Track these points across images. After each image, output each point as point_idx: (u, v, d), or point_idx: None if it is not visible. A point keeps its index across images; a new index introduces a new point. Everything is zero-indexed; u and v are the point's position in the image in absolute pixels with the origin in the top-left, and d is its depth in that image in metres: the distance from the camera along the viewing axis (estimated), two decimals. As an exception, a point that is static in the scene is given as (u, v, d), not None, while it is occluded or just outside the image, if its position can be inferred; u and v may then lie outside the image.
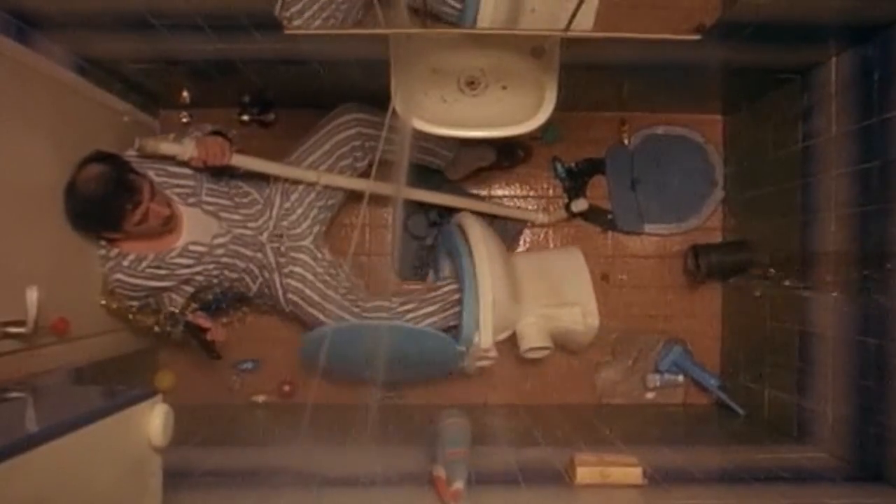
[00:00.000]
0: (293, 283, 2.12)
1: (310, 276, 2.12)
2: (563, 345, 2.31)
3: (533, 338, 2.17)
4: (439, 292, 2.17)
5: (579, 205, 2.43)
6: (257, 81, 2.17)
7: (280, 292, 2.13)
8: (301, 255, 2.14)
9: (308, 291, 2.11)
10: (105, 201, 1.75)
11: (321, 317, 2.11)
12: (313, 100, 2.24)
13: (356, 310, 2.11)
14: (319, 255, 2.17)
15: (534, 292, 2.20)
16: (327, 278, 2.14)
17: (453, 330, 2.11)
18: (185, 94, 2.23)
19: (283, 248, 2.12)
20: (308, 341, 2.11)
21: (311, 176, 2.12)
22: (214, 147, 1.96)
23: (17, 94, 1.57)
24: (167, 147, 1.93)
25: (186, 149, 1.93)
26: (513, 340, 2.20)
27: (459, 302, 2.11)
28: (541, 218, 2.47)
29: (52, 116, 1.72)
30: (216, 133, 2.04)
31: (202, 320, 2.08)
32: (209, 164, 1.96)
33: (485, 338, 2.01)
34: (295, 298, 2.12)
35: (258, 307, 2.38)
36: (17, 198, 1.56)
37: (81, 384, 1.84)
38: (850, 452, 1.76)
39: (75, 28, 1.69)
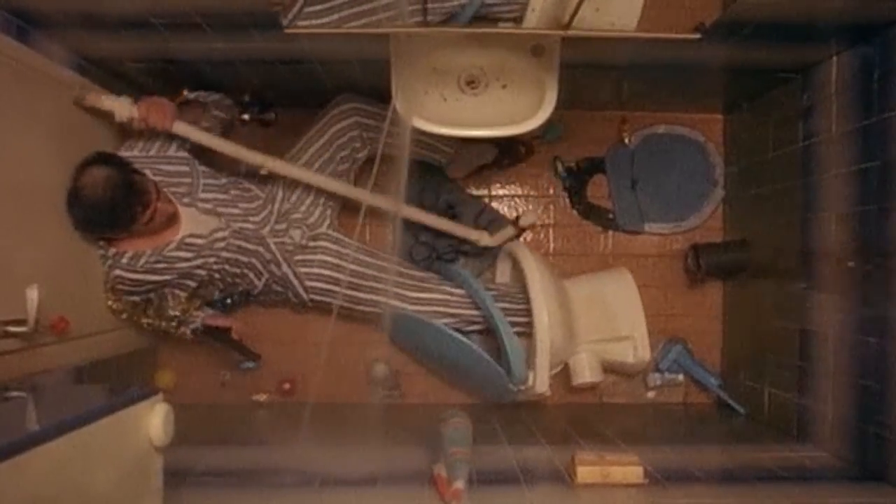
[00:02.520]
0: (315, 270, 2.12)
1: (334, 261, 2.13)
2: (611, 371, 2.32)
3: (586, 374, 2.19)
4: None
5: (527, 218, 2.28)
6: (257, 81, 2.17)
7: (297, 283, 2.12)
8: (322, 243, 2.14)
9: (338, 275, 2.11)
10: (115, 205, 1.74)
11: (358, 294, 2.12)
12: (313, 99, 2.24)
13: (397, 290, 2.12)
14: (340, 237, 2.18)
15: (587, 324, 2.20)
16: (359, 256, 2.14)
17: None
18: (185, 92, 2.22)
19: (300, 240, 2.11)
20: (386, 319, 2.15)
21: (257, 160, 2.02)
22: (157, 109, 1.85)
23: (17, 94, 1.57)
24: (108, 102, 1.82)
25: (126, 107, 1.82)
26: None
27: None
28: (485, 240, 2.32)
29: (52, 116, 1.72)
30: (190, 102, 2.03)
31: (220, 321, 2.07)
32: (150, 126, 1.86)
33: (540, 381, 2.01)
34: (317, 285, 2.12)
35: (263, 304, 2.36)
36: (17, 197, 1.56)
37: (82, 383, 1.84)
38: (850, 452, 1.76)
39: (75, 28, 1.69)
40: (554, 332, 2.00)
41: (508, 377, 2.04)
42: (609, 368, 2.27)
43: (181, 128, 1.91)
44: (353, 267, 2.11)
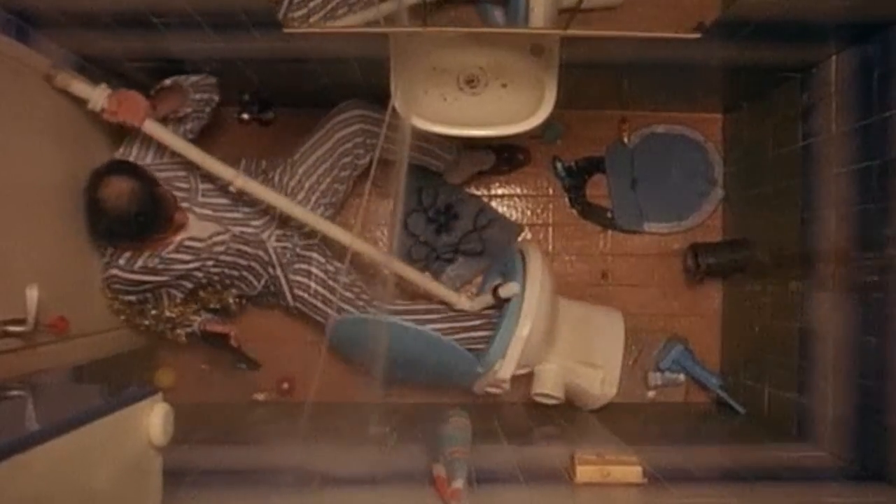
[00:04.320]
0: (301, 279, 2.11)
1: (320, 273, 2.12)
2: (572, 398, 2.26)
3: (548, 385, 2.16)
4: (469, 318, 2.17)
5: (509, 289, 2.08)
6: (256, 80, 2.17)
7: (286, 289, 2.12)
8: (312, 253, 2.14)
9: (319, 288, 2.11)
10: (141, 219, 1.74)
11: (333, 313, 2.11)
12: (312, 98, 2.24)
13: (373, 309, 2.11)
14: (329, 253, 2.18)
15: (566, 341, 2.18)
16: (343, 277, 2.13)
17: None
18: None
19: (297, 249, 2.12)
20: (337, 326, 2.10)
21: (228, 173, 1.91)
22: (129, 104, 1.75)
23: (17, 94, 1.57)
24: (80, 87, 1.72)
25: (98, 97, 1.73)
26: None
27: (486, 327, 2.13)
28: (462, 302, 2.21)
29: (52, 116, 1.72)
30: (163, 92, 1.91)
31: (219, 326, 2.06)
32: (120, 121, 1.76)
33: (506, 368, 2.00)
34: (303, 295, 2.12)
35: (259, 305, 2.36)
36: (17, 197, 1.56)
37: (81, 383, 1.84)
38: (850, 451, 1.76)
39: (75, 27, 1.69)
40: (535, 327, 1.99)
41: (479, 359, 2.03)
42: (571, 393, 2.22)
43: (151, 127, 1.79)
44: (336, 287, 2.10)
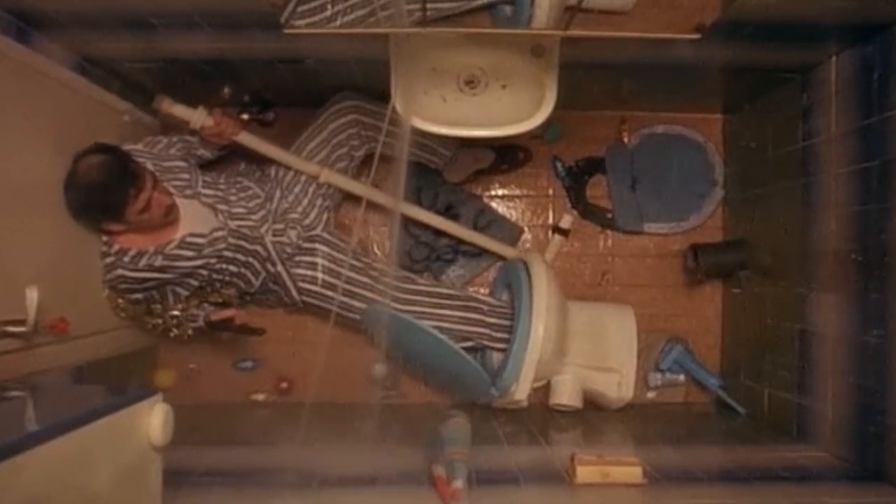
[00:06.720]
0: (306, 272, 2.12)
1: (326, 263, 2.13)
2: (591, 400, 2.27)
3: (565, 396, 2.18)
4: (484, 313, 2.20)
5: (567, 221, 2.46)
6: (257, 81, 2.17)
7: (290, 284, 2.13)
8: (317, 245, 2.14)
9: (328, 278, 2.11)
10: (108, 187, 1.74)
11: (351, 301, 2.12)
12: (313, 99, 2.24)
13: (389, 293, 2.11)
14: (335, 241, 2.18)
15: (579, 348, 2.19)
16: (354, 262, 2.14)
17: (473, 354, 2.14)
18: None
19: (297, 240, 2.11)
20: (369, 313, 2.13)
21: (313, 169, 2.13)
22: (226, 120, 2.03)
23: (17, 94, 1.57)
24: (182, 111, 2.00)
25: (200, 116, 1.99)
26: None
27: (501, 329, 2.16)
28: (512, 252, 2.42)
29: (53, 116, 1.72)
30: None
31: (223, 314, 2.07)
32: (221, 133, 2.02)
33: (521, 390, 2.02)
34: (310, 287, 2.12)
35: (259, 303, 2.34)
36: (17, 197, 1.56)
37: (81, 383, 1.84)
38: (850, 452, 1.76)
39: (75, 28, 1.69)
40: (545, 347, 2.00)
41: (493, 383, 2.04)
42: (589, 396, 2.24)
43: (246, 137, 2.09)
44: (348, 273, 2.11)
